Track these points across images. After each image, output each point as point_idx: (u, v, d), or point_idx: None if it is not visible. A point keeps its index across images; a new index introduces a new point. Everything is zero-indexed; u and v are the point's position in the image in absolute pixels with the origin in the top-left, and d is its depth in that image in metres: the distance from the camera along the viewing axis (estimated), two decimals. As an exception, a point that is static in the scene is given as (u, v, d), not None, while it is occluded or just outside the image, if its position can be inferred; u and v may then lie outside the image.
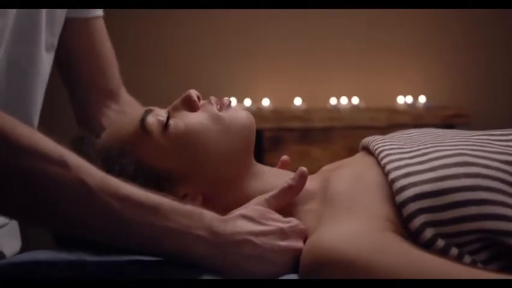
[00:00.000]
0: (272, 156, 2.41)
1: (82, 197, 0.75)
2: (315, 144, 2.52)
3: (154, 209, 0.78)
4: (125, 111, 1.27)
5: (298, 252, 0.82)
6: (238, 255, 0.80)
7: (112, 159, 0.89)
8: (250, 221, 0.83)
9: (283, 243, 0.82)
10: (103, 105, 1.27)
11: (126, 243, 0.80)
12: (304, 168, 0.89)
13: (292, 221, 0.85)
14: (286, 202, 0.89)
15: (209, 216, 0.81)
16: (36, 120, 1.15)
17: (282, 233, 0.83)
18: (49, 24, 1.11)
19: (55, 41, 1.15)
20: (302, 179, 0.89)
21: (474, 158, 0.82)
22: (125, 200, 0.77)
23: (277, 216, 0.85)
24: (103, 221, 0.76)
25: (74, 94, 1.29)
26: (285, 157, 1.09)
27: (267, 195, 0.88)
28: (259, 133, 2.44)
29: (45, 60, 1.12)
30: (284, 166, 1.08)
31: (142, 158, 0.89)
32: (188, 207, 0.80)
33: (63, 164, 0.75)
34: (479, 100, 2.79)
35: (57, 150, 0.76)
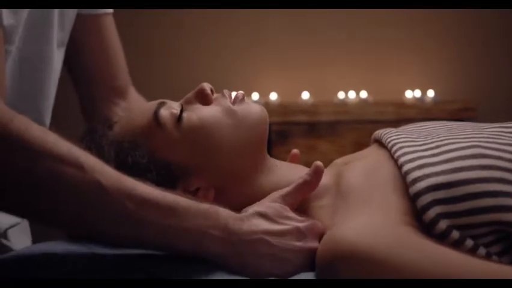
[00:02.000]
0: (280, 150, 2.41)
1: (97, 199, 0.75)
2: (323, 138, 2.52)
3: (170, 210, 0.78)
4: (131, 108, 1.26)
5: (314, 252, 0.81)
6: (254, 254, 0.80)
7: (124, 152, 0.89)
8: (266, 219, 0.82)
9: (299, 243, 0.82)
10: (111, 102, 1.27)
11: (141, 244, 0.80)
12: (319, 163, 0.89)
13: (309, 220, 0.85)
14: (301, 198, 0.88)
15: (225, 214, 0.81)
16: (48, 117, 1.15)
17: (298, 233, 0.83)
18: (60, 20, 1.11)
19: (66, 38, 1.15)
20: (318, 174, 0.89)
21: (488, 150, 0.81)
22: (141, 201, 0.76)
23: (293, 214, 0.85)
24: (118, 222, 0.76)
25: (82, 91, 1.29)
26: (295, 151, 1.09)
27: (282, 192, 0.87)
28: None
29: (57, 57, 1.13)
30: (294, 160, 1.08)
31: (155, 150, 0.89)
32: (204, 206, 0.80)
33: (78, 165, 0.74)
34: (486, 94, 2.78)
35: (72, 152, 0.75)
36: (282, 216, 0.84)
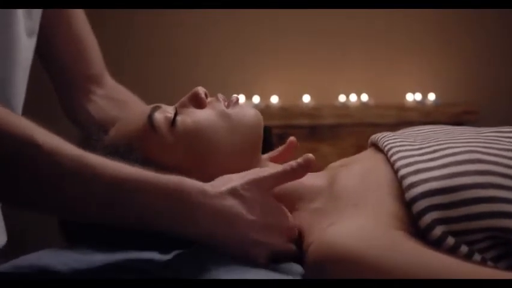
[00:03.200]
0: (280, 153, 2.41)
1: (60, 179, 0.75)
2: (324, 141, 2.52)
3: (137, 184, 0.78)
4: (111, 97, 1.26)
5: (276, 249, 0.82)
6: (223, 235, 0.80)
7: (119, 155, 0.89)
8: (240, 202, 0.81)
9: (263, 239, 0.82)
10: (88, 91, 1.26)
11: (114, 221, 0.80)
12: (311, 155, 0.87)
13: (283, 217, 0.85)
14: (283, 183, 0.87)
15: (194, 189, 0.80)
16: (18, 105, 1.14)
17: (266, 228, 0.82)
18: (27, 9, 1.09)
19: (35, 26, 1.13)
20: (306, 166, 0.86)
21: (485, 155, 0.81)
22: (110, 179, 0.77)
23: (269, 205, 0.84)
24: (87, 202, 0.77)
25: (57, 81, 1.27)
26: (292, 138, 1.09)
27: (266, 172, 0.85)
28: (268, 130, 2.44)
29: (26, 45, 1.11)
30: (290, 147, 1.07)
31: (149, 154, 0.89)
32: (170, 182, 0.79)
33: (35, 145, 0.74)
34: (488, 97, 2.77)
35: (27, 131, 0.75)
36: (257, 201, 0.83)
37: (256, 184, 0.83)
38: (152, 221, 0.79)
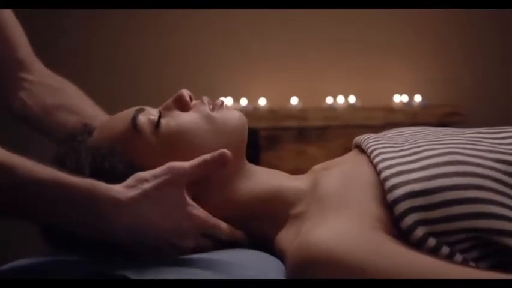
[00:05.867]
0: (269, 155, 2.41)
1: None
2: (312, 143, 2.53)
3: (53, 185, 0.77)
4: (45, 83, 1.21)
5: (191, 249, 0.84)
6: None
7: (101, 157, 0.89)
8: (154, 206, 0.81)
9: (178, 243, 0.83)
10: (17, 78, 1.21)
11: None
12: (226, 151, 0.85)
13: (197, 217, 0.85)
14: (199, 176, 0.86)
15: (106, 199, 0.78)
16: None
17: (181, 232, 0.83)
18: None
19: None
20: (221, 158, 0.85)
21: (465, 157, 0.81)
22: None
23: (183, 206, 0.84)
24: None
25: None
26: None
27: (183, 165, 0.84)
28: (255, 132, 2.45)
29: None
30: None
31: (133, 156, 0.89)
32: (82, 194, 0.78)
33: None
34: (474, 98, 2.79)
35: None
36: (172, 204, 0.82)
37: (170, 184, 0.82)
38: (65, 224, 0.79)
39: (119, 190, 0.79)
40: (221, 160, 0.85)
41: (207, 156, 0.85)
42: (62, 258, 0.87)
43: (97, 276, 0.78)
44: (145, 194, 0.80)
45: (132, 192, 0.80)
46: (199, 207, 0.87)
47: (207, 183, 0.91)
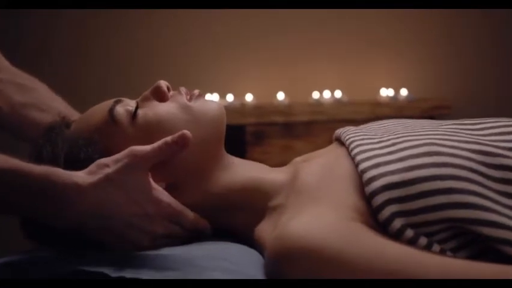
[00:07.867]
0: (256, 150, 2.41)
1: None
2: (299, 138, 2.53)
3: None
4: (12, 81, 1.19)
5: (160, 234, 0.84)
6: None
7: (78, 147, 0.88)
8: (116, 190, 0.80)
9: (145, 227, 0.82)
10: None
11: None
12: (186, 131, 0.85)
13: (161, 202, 0.85)
14: (161, 160, 0.85)
15: (66, 185, 0.78)
16: None
17: (146, 216, 0.83)
18: None
19: None
20: (181, 140, 0.85)
21: (442, 148, 0.81)
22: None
23: (147, 190, 0.83)
24: None
25: None
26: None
27: (143, 148, 0.83)
28: (242, 128, 2.45)
29: None
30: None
31: (110, 147, 0.88)
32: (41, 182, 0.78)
33: None
34: (460, 92, 2.79)
35: None
36: (135, 188, 0.82)
37: (131, 167, 0.82)
38: (27, 212, 0.79)
39: (81, 176, 0.79)
40: (182, 141, 0.85)
41: (168, 138, 0.85)
42: (41, 255, 0.86)
43: (73, 275, 0.77)
44: (107, 179, 0.80)
45: (94, 178, 0.79)
46: (166, 192, 0.87)
47: (185, 174, 0.91)
